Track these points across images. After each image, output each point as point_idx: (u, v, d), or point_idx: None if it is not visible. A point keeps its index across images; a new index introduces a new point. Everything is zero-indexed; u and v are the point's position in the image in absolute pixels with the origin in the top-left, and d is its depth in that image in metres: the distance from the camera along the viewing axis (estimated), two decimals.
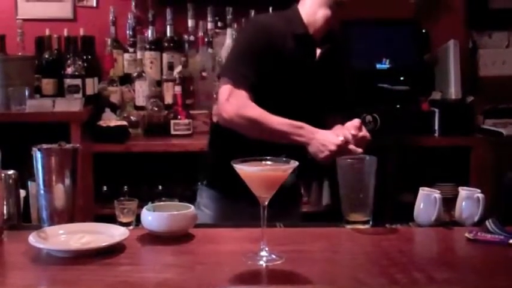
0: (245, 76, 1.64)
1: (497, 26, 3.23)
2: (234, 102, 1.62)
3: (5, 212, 1.39)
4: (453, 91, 3.00)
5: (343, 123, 1.67)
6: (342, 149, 1.51)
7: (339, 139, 1.53)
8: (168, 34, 2.95)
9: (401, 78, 2.96)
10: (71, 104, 2.63)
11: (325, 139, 1.53)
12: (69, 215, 1.37)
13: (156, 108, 2.82)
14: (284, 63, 1.67)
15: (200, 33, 2.94)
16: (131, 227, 1.45)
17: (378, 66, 2.99)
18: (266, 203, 1.18)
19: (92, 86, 2.81)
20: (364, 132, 1.61)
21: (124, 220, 1.48)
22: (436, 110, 2.91)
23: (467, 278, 1.15)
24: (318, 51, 1.75)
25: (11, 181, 1.43)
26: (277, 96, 1.68)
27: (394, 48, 3.02)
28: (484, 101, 3.06)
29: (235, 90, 1.63)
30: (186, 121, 2.79)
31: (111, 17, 2.99)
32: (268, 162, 1.20)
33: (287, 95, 1.69)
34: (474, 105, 2.98)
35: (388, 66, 2.99)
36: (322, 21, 1.71)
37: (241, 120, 1.61)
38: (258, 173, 1.17)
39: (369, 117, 1.45)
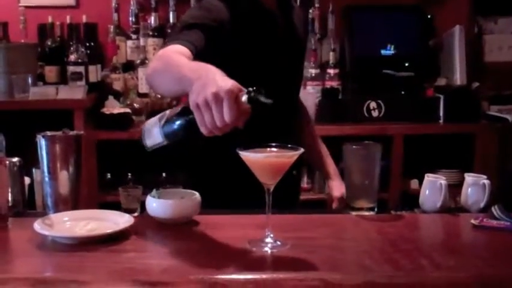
0: (187, 40, 1.40)
1: (503, 11, 3.20)
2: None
3: (9, 199, 1.38)
4: (458, 77, 2.99)
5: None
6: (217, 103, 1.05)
7: (233, 82, 1.08)
8: (171, 20, 2.93)
9: (406, 65, 2.95)
10: (74, 92, 2.62)
11: (214, 79, 1.08)
12: (74, 202, 1.37)
13: (159, 96, 2.81)
14: (249, 43, 1.54)
15: None
16: (136, 214, 1.45)
17: (383, 52, 2.97)
18: (271, 189, 1.18)
19: (95, 73, 2.81)
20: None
21: (129, 207, 1.48)
22: (441, 97, 2.90)
23: (472, 264, 1.15)
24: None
25: (15, 168, 1.43)
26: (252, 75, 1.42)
27: (399, 34, 3.00)
28: (490, 87, 3.05)
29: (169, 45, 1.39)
30: None
31: (113, 4, 2.97)
32: (274, 149, 1.19)
33: (260, 72, 1.53)
34: (479, 91, 2.97)
35: (392, 52, 2.97)
36: None
37: (155, 62, 1.33)
38: (263, 160, 1.16)
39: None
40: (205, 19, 1.48)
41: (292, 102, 1.74)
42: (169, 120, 1.19)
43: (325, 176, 1.86)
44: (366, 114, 2.88)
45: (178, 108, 1.20)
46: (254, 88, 1.07)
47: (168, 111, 1.21)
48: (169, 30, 2.92)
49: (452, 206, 1.48)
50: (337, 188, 1.80)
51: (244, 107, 1.07)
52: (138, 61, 2.89)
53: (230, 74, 1.13)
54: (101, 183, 2.75)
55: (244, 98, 1.06)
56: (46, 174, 1.36)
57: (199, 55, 1.37)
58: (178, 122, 1.17)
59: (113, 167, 2.82)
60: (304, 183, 2.70)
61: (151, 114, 2.80)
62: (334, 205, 1.72)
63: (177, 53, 1.33)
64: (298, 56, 1.73)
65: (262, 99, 1.07)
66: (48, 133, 1.37)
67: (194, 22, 1.46)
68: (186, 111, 1.13)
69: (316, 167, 1.87)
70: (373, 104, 2.88)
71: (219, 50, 1.47)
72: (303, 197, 1.96)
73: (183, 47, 1.38)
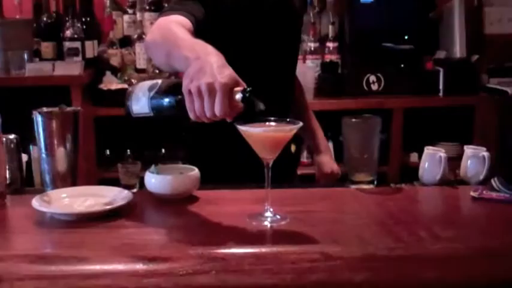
0: (188, 11, 1.36)
1: None
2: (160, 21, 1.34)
3: (7, 176, 1.38)
4: (458, 50, 2.97)
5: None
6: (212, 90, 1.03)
7: (231, 74, 1.05)
8: None
9: (406, 38, 2.92)
10: (71, 68, 2.60)
11: (212, 65, 1.05)
12: (72, 178, 1.37)
13: (157, 71, 2.79)
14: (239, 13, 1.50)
15: None
16: (135, 190, 1.45)
17: (382, 25, 2.94)
18: (270, 164, 1.17)
19: (91, 48, 2.78)
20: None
21: (127, 183, 1.47)
22: (441, 69, 2.88)
23: (472, 236, 1.15)
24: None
25: (12, 145, 1.42)
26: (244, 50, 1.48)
27: (398, 6, 2.97)
28: (489, 59, 3.03)
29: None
30: None
31: None
32: (272, 123, 1.18)
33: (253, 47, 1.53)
34: (479, 64, 2.95)
35: (392, 25, 2.94)
36: None
37: (155, 32, 1.29)
38: (262, 134, 1.15)
39: None
40: None
41: (289, 75, 1.72)
42: (159, 94, 1.15)
43: (315, 150, 1.85)
44: (365, 87, 2.87)
45: (171, 81, 1.18)
46: (251, 88, 1.05)
47: (160, 82, 1.18)
48: (166, 5, 2.88)
49: (451, 178, 1.48)
50: (327, 164, 1.80)
51: (237, 104, 1.05)
52: (135, 36, 2.86)
53: (225, 50, 1.11)
54: (100, 160, 2.75)
55: (238, 96, 1.04)
56: (43, 151, 1.35)
57: (197, 28, 1.35)
58: (167, 99, 1.14)
59: (112, 143, 2.81)
60: (304, 158, 2.70)
61: None
62: (323, 181, 1.73)
63: (178, 24, 1.29)
64: (294, 29, 1.70)
65: (257, 101, 1.05)
66: (45, 109, 1.36)
67: None
68: (177, 89, 1.09)
69: (307, 140, 1.86)
70: (372, 78, 2.87)
71: (216, 23, 1.45)
72: (303, 171, 1.95)
73: (184, 18, 1.34)
